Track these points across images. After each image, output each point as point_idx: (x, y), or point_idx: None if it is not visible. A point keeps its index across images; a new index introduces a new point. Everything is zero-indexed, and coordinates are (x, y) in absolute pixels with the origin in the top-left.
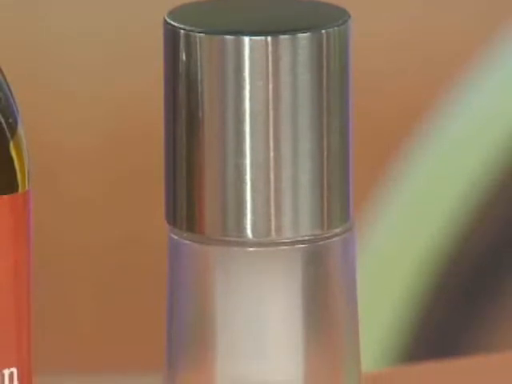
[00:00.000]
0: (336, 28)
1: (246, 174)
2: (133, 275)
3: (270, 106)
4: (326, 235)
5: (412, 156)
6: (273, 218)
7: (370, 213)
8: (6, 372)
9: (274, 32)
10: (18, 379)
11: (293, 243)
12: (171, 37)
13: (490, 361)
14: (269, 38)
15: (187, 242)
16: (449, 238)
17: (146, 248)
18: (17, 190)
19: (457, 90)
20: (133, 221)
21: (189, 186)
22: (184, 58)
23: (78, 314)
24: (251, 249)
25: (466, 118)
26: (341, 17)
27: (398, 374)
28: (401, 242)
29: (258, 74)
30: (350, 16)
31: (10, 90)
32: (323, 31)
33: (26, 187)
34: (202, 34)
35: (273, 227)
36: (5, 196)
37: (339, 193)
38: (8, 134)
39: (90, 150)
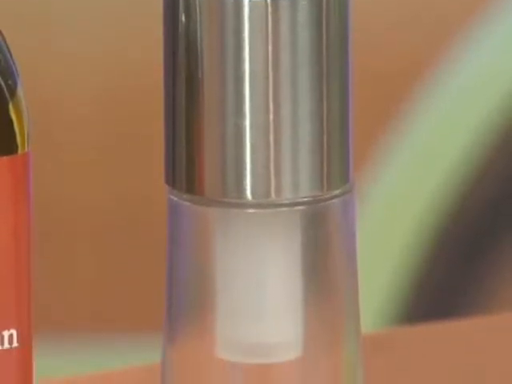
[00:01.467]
0: None
1: (245, 136)
2: (132, 236)
3: (270, 68)
4: (326, 197)
5: (412, 114)
6: (272, 179)
7: (369, 173)
8: (6, 334)
9: None
10: (18, 340)
11: (292, 205)
12: None
13: (489, 322)
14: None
15: (187, 203)
16: (448, 197)
17: (146, 208)
18: (16, 152)
19: (458, 48)
20: (132, 181)
21: (188, 148)
22: (184, 19)
23: (78, 274)
24: (251, 210)
25: (467, 76)
26: None
27: (397, 335)
28: (400, 201)
29: (258, 36)
30: None
31: (9, 52)
32: None
33: (26, 149)
34: None
35: (272, 188)
36: (4, 157)
37: (339, 154)
38: (7, 96)
39: (90, 111)
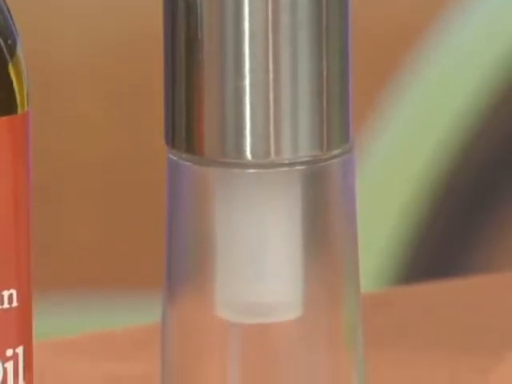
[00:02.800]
0: None
1: (245, 96)
2: (132, 194)
3: (270, 27)
4: (326, 156)
5: (412, 73)
6: (272, 139)
7: (369, 130)
8: (6, 293)
9: None
10: (18, 300)
11: (292, 165)
12: None
13: (488, 281)
14: None
15: (186, 163)
16: (448, 154)
17: (145, 166)
18: (16, 112)
19: (457, 6)
20: (132, 140)
21: (188, 108)
22: None
23: (78, 233)
24: (250, 170)
25: (468, 33)
26: None
27: (396, 295)
28: (400, 159)
29: None
30: None
31: (9, 11)
32: None
33: (25, 108)
34: None
35: (272, 148)
36: (4, 117)
37: (339, 114)
38: (7, 56)
39: (90, 70)
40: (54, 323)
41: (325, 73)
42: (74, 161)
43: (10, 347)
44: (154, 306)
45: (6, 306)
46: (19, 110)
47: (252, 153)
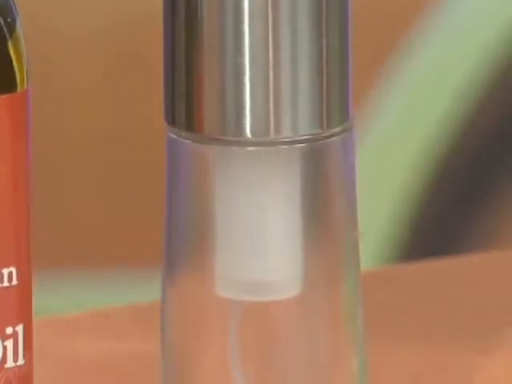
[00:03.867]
0: None
1: (245, 74)
2: (131, 171)
3: (270, 5)
4: (326, 135)
5: (411, 51)
6: (272, 117)
7: (369, 107)
8: (5, 271)
9: None
10: (17, 278)
11: (292, 142)
12: None
13: (488, 259)
14: None
15: (186, 141)
16: (447, 134)
17: (145, 144)
18: (15, 90)
19: None
20: (132, 118)
21: (188, 85)
22: None
23: (77, 210)
24: (250, 148)
25: (470, 6)
26: None
27: (396, 273)
28: (400, 137)
29: None
30: None
31: None
32: None
33: (25, 86)
34: None
35: (272, 126)
36: (3, 95)
37: (338, 92)
38: (6, 34)
39: (90, 45)
40: (53, 301)
41: (325, 51)
42: (74, 139)
43: (9, 325)
44: (153, 283)
45: (5, 284)
46: (19, 88)
47: (252, 131)
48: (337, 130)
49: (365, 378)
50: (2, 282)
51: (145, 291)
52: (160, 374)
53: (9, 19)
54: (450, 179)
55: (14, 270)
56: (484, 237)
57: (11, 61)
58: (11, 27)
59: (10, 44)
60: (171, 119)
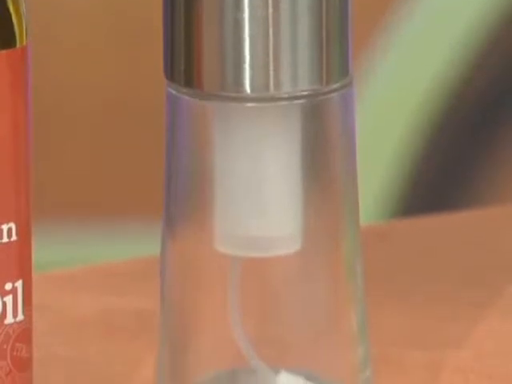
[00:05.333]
0: None
1: (244, 29)
2: (132, 126)
3: None
4: (325, 90)
5: (410, 4)
6: (271, 72)
7: (368, 64)
8: (5, 227)
9: None
10: (17, 234)
11: (291, 98)
12: None
13: (488, 215)
14: None
15: (185, 97)
16: (446, 88)
17: (145, 99)
18: (15, 45)
19: None
20: (132, 73)
21: (187, 41)
22: None
23: (78, 164)
24: (249, 104)
25: None
26: None
27: (396, 228)
28: (399, 91)
29: None
30: None
31: None
32: None
33: (24, 42)
34: None
35: (271, 82)
36: (3, 51)
37: (338, 48)
38: None
39: (90, 2)
40: (52, 255)
41: (324, 6)
42: (74, 96)
43: (9, 281)
44: (153, 236)
45: (5, 240)
46: (18, 44)
47: (251, 86)
48: (336, 85)
49: (364, 333)
50: (2, 238)
51: (145, 244)
52: (159, 328)
53: None
54: (449, 134)
55: (13, 225)
56: (485, 192)
57: (10, 16)
58: None
59: (8, 0)
60: (170, 75)
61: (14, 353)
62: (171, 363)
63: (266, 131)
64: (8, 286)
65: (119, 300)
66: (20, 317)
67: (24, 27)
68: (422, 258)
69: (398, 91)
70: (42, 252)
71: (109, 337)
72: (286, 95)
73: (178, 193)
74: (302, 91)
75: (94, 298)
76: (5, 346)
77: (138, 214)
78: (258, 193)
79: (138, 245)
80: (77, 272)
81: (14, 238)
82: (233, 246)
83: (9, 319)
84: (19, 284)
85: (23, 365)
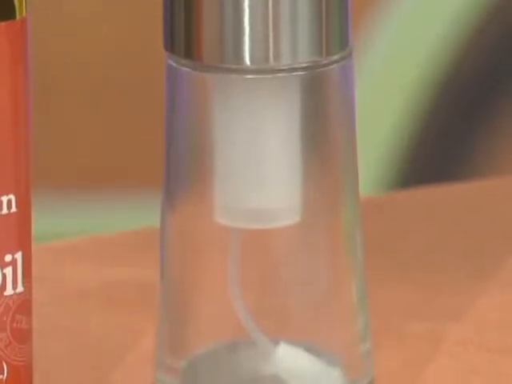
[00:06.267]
0: None
1: (244, 1)
2: (132, 96)
3: None
4: (325, 62)
5: None
6: (271, 44)
7: (367, 34)
8: (4, 199)
9: None
10: (17, 206)
11: (291, 70)
12: None
13: (488, 186)
14: None
15: (185, 68)
16: (445, 57)
17: (145, 69)
18: (14, 17)
19: None
20: (132, 44)
21: (187, 13)
22: None
23: (77, 135)
24: (249, 76)
25: None
26: None
27: (396, 199)
28: (398, 62)
29: None
30: None
31: None
32: None
33: (24, 13)
34: None
35: (271, 54)
36: (2, 23)
37: (338, 19)
38: None
39: None
40: (52, 227)
41: None
42: (75, 65)
43: (8, 253)
44: (155, 207)
45: (4, 211)
46: (18, 16)
47: (251, 58)
48: (336, 57)
49: (364, 304)
50: (1, 210)
51: (147, 215)
52: (159, 300)
53: None
54: (447, 106)
55: (13, 197)
56: (484, 163)
57: None
58: None
59: None
60: (170, 47)
61: (14, 324)
62: (171, 335)
63: (265, 103)
64: (8, 258)
65: (120, 271)
66: (20, 288)
67: None
68: (421, 229)
69: (397, 63)
70: (42, 223)
71: (109, 308)
72: (286, 67)
73: (177, 165)
74: (302, 63)
75: (94, 269)
76: (4, 318)
77: (139, 185)
78: (258, 165)
79: (140, 215)
80: (77, 243)
81: (13, 209)
82: (233, 218)
83: (8, 291)
84: (19, 255)
85: (23, 336)
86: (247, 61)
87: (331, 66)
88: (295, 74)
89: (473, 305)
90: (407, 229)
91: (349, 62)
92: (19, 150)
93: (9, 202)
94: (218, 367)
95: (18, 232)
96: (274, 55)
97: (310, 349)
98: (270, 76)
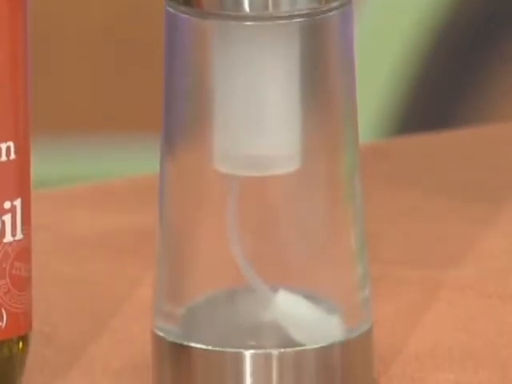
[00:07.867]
0: None
1: None
2: (132, 42)
3: None
4: (324, 9)
5: None
6: None
7: None
8: (3, 146)
9: None
10: (15, 152)
11: (290, 17)
12: None
13: (487, 132)
14: None
15: (184, 15)
16: (443, 7)
17: (144, 18)
18: None
19: None
20: None
21: None
22: None
23: (77, 81)
24: (249, 23)
25: None
26: None
27: (395, 146)
28: (397, 4)
29: None
30: None
31: None
32: None
33: None
34: None
35: (270, 1)
36: None
37: None
38: None
39: None
40: (51, 174)
41: None
42: (74, 12)
43: (7, 200)
44: (155, 154)
45: (3, 158)
46: None
47: (250, 5)
48: (335, 4)
49: (363, 251)
50: (0, 157)
51: (146, 162)
52: (158, 248)
53: None
54: (446, 51)
55: (11, 144)
56: (483, 108)
57: None
58: None
59: None
60: None
61: (13, 272)
62: (170, 283)
63: (265, 50)
64: (7, 205)
65: (119, 218)
66: (19, 235)
67: None
68: (420, 175)
69: (396, 9)
70: (41, 170)
71: (108, 255)
72: (285, 14)
73: (176, 111)
74: (301, 10)
75: (93, 217)
76: (4, 265)
77: (138, 131)
78: (257, 112)
79: (140, 162)
80: (76, 190)
81: (12, 156)
82: (232, 165)
83: (7, 238)
84: (18, 202)
85: (22, 284)
86: (246, 7)
87: (330, 13)
88: (294, 20)
89: (473, 251)
90: (406, 175)
91: (348, 9)
92: (18, 97)
93: (8, 149)
94: (217, 314)
95: (17, 179)
96: (273, 2)
97: (309, 296)
98: (269, 23)
